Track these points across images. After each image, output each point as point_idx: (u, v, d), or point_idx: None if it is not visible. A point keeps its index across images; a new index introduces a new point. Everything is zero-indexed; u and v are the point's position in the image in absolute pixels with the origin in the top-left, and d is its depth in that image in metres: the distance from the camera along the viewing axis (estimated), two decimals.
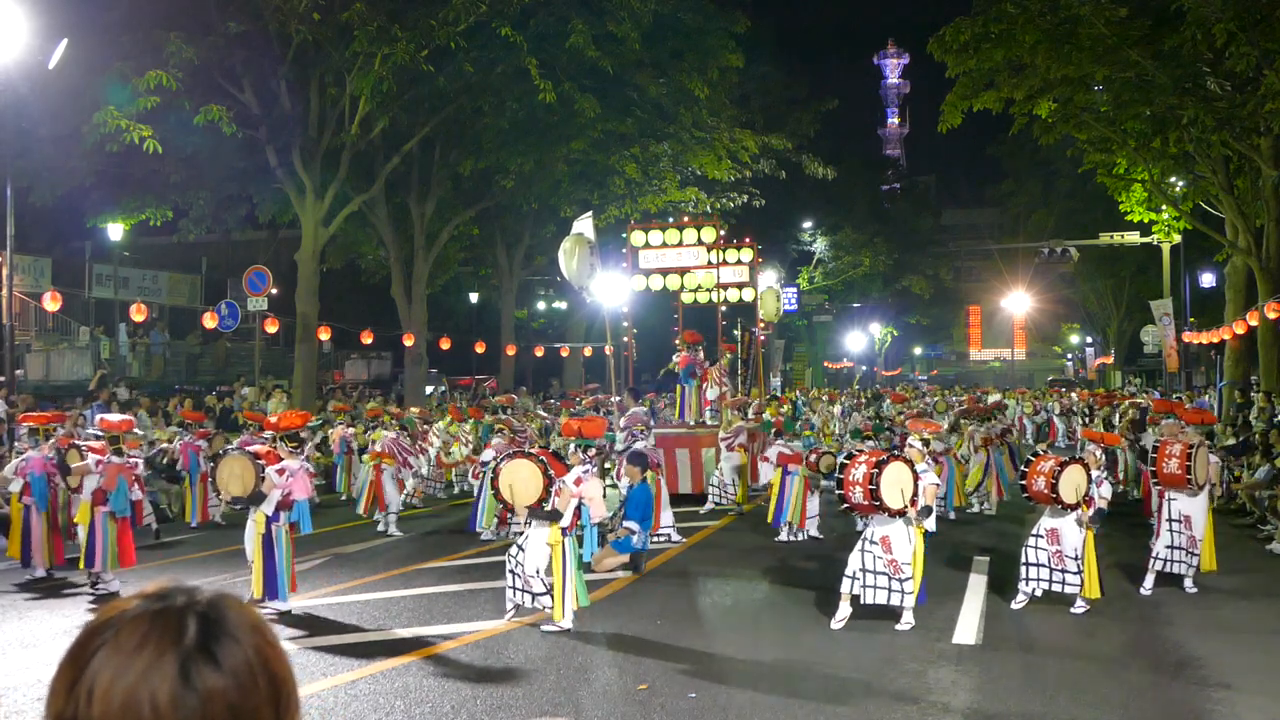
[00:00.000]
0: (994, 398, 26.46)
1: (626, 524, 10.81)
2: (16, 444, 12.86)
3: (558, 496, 8.46)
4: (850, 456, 8.99)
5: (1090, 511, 8.90)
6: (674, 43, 23.79)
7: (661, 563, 11.43)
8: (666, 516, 12.84)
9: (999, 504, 15.55)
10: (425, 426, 17.99)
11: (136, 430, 11.55)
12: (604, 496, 9.18)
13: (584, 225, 16.39)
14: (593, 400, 22.51)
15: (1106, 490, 9.19)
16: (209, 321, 23.16)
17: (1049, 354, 75.95)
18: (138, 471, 10.36)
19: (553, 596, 8.27)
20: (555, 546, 8.27)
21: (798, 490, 12.79)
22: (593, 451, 9.64)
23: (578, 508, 8.46)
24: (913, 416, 15.14)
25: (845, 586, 8.45)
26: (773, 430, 14.63)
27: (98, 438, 10.74)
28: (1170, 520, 9.76)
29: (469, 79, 20.08)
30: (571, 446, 9.29)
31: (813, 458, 13.15)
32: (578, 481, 8.53)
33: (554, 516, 8.36)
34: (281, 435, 9.51)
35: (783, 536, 12.85)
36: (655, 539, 12.36)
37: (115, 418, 11.14)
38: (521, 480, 8.56)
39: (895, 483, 8.34)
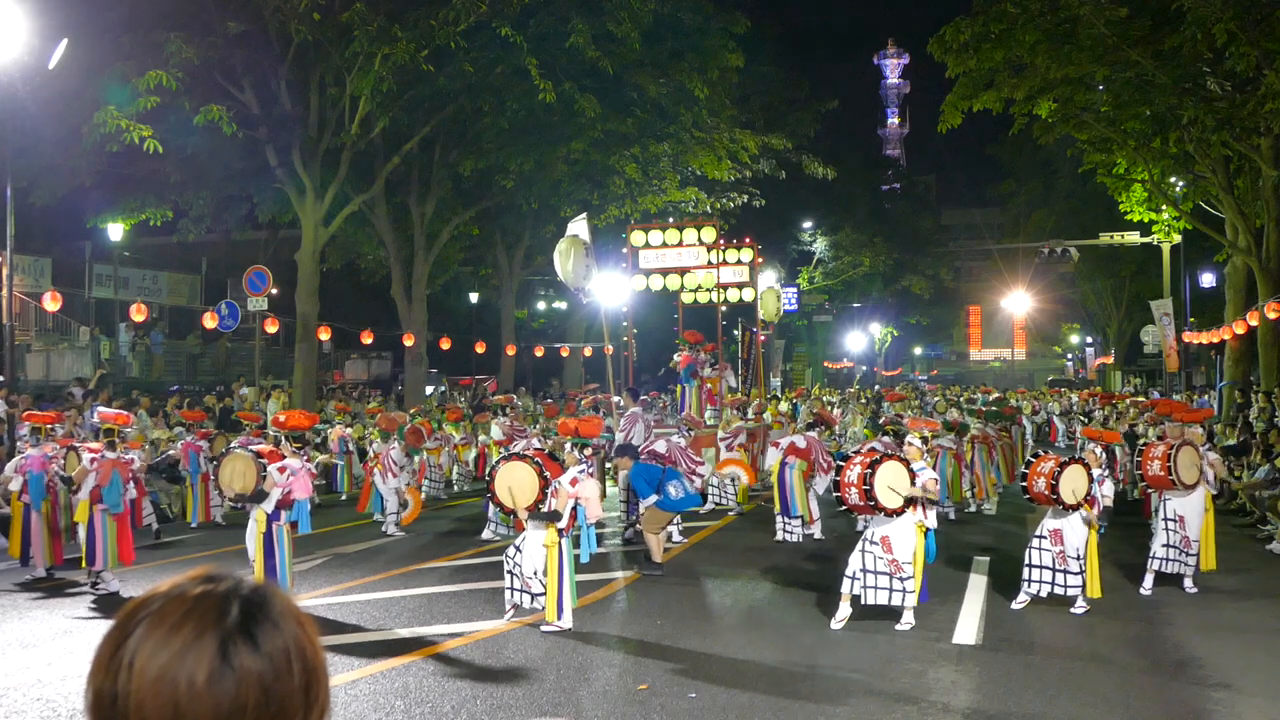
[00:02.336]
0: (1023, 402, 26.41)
1: (644, 504, 10.79)
2: (19, 444, 12.88)
3: (554, 498, 8.46)
4: (846, 458, 8.99)
5: (1095, 511, 8.90)
6: (674, 43, 23.78)
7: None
8: None
9: (998, 503, 15.56)
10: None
11: (133, 424, 11.59)
12: (603, 496, 9.19)
13: (579, 227, 16.39)
14: (592, 400, 22.50)
15: (1109, 489, 9.19)
16: (209, 321, 23.15)
17: (1049, 354, 75.92)
18: (134, 468, 10.37)
19: (547, 597, 8.27)
20: (551, 547, 8.28)
21: (798, 482, 12.79)
22: (589, 451, 9.64)
23: (574, 508, 8.46)
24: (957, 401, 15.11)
25: (845, 586, 8.45)
26: (804, 423, 14.51)
27: (94, 433, 10.79)
28: (1165, 519, 9.78)
29: (469, 79, 20.08)
30: (568, 446, 9.29)
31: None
32: (573, 482, 8.53)
33: (553, 517, 8.37)
34: (286, 435, 9.54)
35: (780, 536, 12.85)
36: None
37: (112, 411, 11.19)
38: (518, 482, 8.56)
39: (889, 482, 8.33)
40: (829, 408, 28.77)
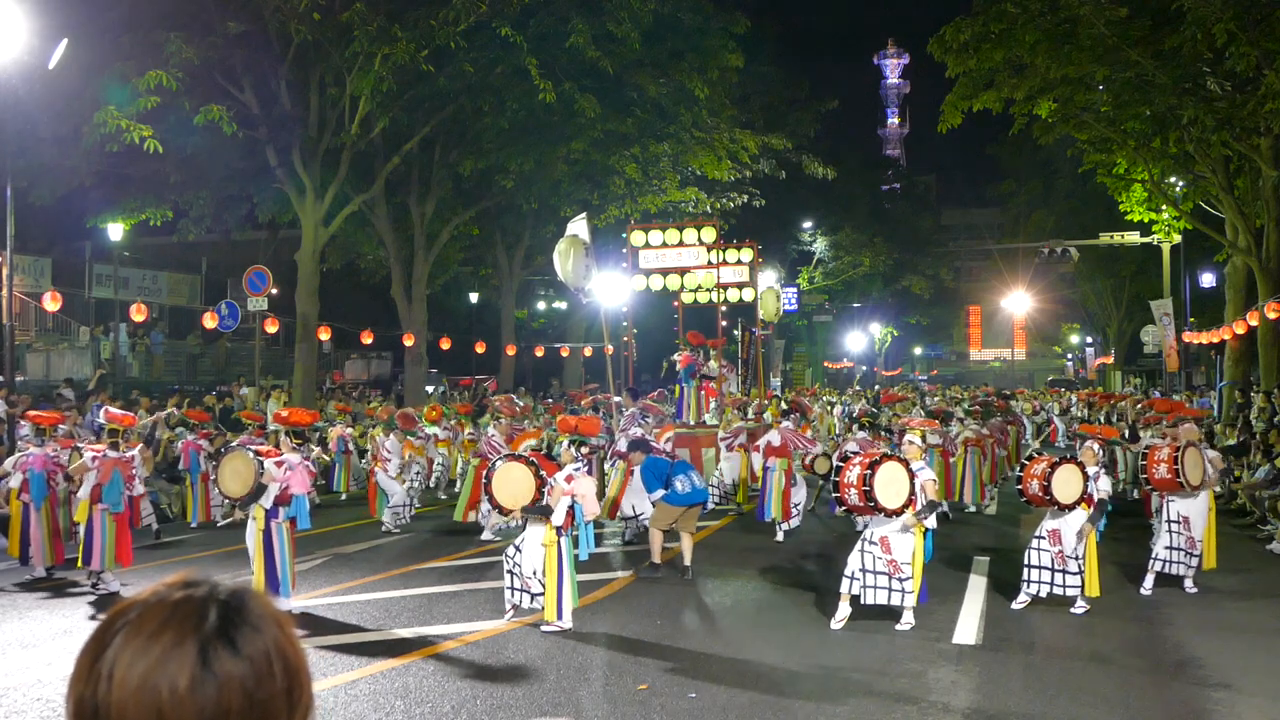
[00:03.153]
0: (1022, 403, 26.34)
1: (652, 498, 10.73)
2: (19, 443, 12.88)
3: (550, 495, 8.45)
4: (845, 459, 8.97)
5: (1091, 510, 8.88)
6: (674, 43, 23.78)
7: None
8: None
9: (998, 504, 15.56)
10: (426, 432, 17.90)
11: (138, 425, 11.60)
12: (600, 495, 9.17)
13: (578, 227, 16.39)
14: (591, 400, 22.49)
15: (1105, 484, 9.16)
16: (209, 321, 23.14)
17: (1049, 354, 75.96)
18: (134, 468, 10.37)
19: (546, 597, 8.27)
20: (550, 546, 8.27)
21: (776, 483, 12.78)
22: (586, 449, 9.61)
23: (571, 506, 8.44)
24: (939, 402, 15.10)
25: (845, 587, 8.44)
26: (780, 417, 14.55)
27: (97, 432, 10.79)
28: (1169, 521, 9.76)
29: (469, 79, 20.08)
30: (565, 443, 9.28)
31: (808, 459, 13.14)
32: (569, 479, 8.50)
33: (545, 511, 8.35)
34: (287, 430, 9.53)
35: (780, 536, 12.86)
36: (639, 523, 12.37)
37: (120, 412, 11.18)
38: (514, 482, 8.55)
39: (890, 483, 8.31)
40: (829, 407, 28.74)
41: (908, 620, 8.32)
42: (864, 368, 61.05)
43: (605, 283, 18.20)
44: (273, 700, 1.07)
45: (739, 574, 10.85)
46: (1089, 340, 62.49)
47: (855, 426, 15.28)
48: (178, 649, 1.03)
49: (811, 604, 9.33)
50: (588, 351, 35.18)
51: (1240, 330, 22.94)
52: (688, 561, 10.60)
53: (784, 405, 17.12)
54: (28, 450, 11.23)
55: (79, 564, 10.17)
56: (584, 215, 17.19)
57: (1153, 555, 9.75)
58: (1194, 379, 33.91)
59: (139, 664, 1.03)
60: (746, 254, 19.68)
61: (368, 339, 28.97)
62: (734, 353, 24.09)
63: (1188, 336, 29.96)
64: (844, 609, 8.43)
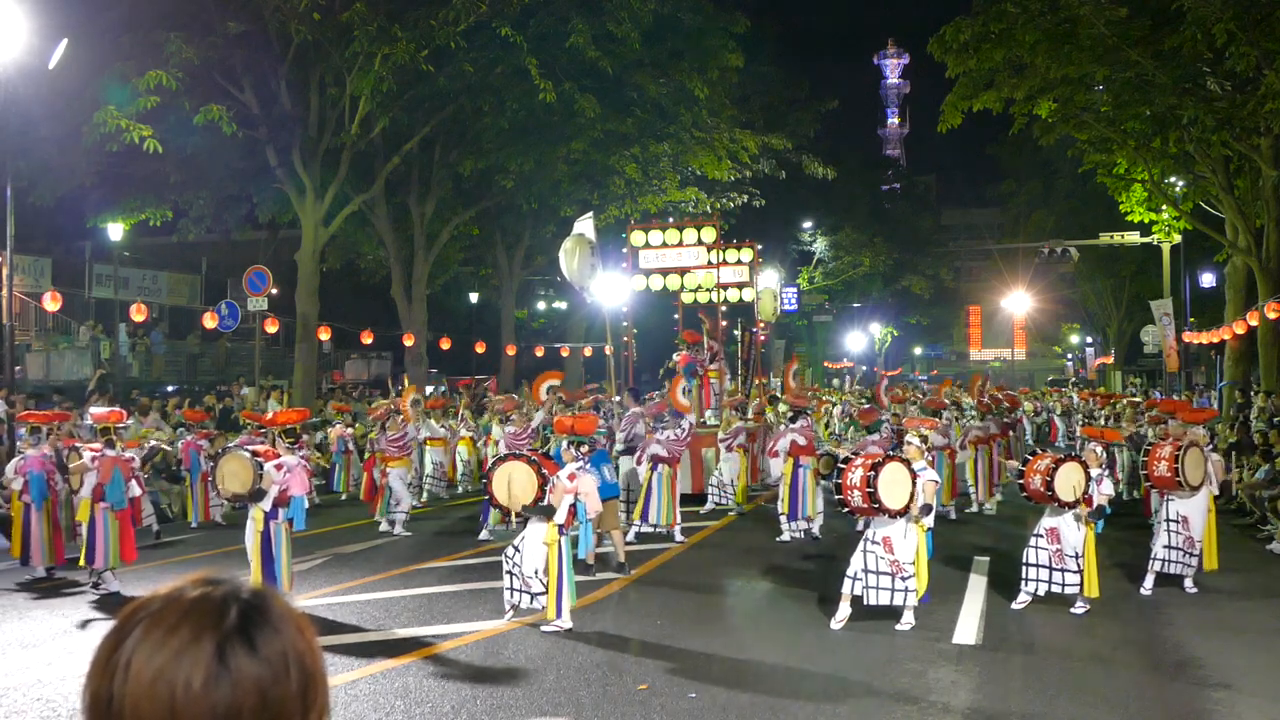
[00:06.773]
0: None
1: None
2: (18, 444, 12.88)
3: (552, 494, 8.46)
4: (847, 460, 8.97)
5: (1090, 509, 8.88)
6: (674, 43, 23.78)
7: (662, 563, 11.44)
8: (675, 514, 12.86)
9: (998, 504, 15.56)
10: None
11: (128, 421, 11.59)
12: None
13: (585, 225, 16.41)
14: (592, 400, 22.47)
15: (1108, 488, 9.16)
16: (209, 321, 23.14)
17: (1049, 354, 75.88)
18: (134, 465, 10.38)
19: (548, 596, 8.28)
20: (551, 546, 8.28)
21: (811, 484, 12.77)
22: (585, 449, 9.64)
23: (573, 505, 8.45)
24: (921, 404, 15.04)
25: (846, 587, 8.44)
26: (788, 416, 14.50)
27: (93, 432, 10.82)
28: (1168, 520, 9.76)
29: (469, 79, 20.08)
30: (564, 443, 9.29)
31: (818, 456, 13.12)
32: (571, 478, 8.52)
33: (549, 511, 8.36)
34: (279, 431, 9.54)
35: (784, 536, 12.84)
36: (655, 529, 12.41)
37: (104, 410, 11.21)
38: (516, 481, 8.56)
39: (893, 483, 8.33)
40: (830, 407, 28.74)
41: (908, 620, 8.32)
42: (864, 368, 61.03)
43: (605, 283, 18.21)
44: (287, 702, 1.07)
45: (739, 574, 10.85)
46: (1089, 340, 62.47)
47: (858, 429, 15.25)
48: (194, 645, 1.04)
49: (812, 604, 9.33)
50: (588, 351, 35.18)
51: (1240, 330, 22.93)
52: (622, 558, 10.76)
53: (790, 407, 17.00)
54: (26, 453, 11.24)
55: (81, 563, 10.17)
56: (590, 214, 17.21)
57: (1152, 555, 9.75)
58: (1194, 379, 33.90)
59: (155, 659, 1.03)
60: (746, 254, 19.68)
61: (368, 339, 28.98)
62: (733, 353, 24.08)
63: (1188, 336, 29.95)
64: (844, 609, 8.43)
